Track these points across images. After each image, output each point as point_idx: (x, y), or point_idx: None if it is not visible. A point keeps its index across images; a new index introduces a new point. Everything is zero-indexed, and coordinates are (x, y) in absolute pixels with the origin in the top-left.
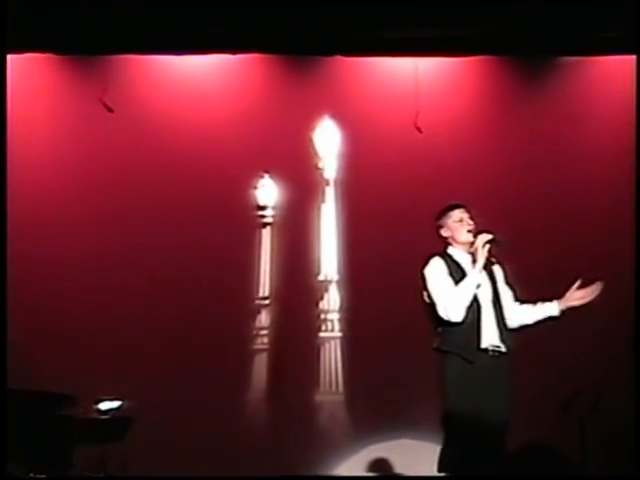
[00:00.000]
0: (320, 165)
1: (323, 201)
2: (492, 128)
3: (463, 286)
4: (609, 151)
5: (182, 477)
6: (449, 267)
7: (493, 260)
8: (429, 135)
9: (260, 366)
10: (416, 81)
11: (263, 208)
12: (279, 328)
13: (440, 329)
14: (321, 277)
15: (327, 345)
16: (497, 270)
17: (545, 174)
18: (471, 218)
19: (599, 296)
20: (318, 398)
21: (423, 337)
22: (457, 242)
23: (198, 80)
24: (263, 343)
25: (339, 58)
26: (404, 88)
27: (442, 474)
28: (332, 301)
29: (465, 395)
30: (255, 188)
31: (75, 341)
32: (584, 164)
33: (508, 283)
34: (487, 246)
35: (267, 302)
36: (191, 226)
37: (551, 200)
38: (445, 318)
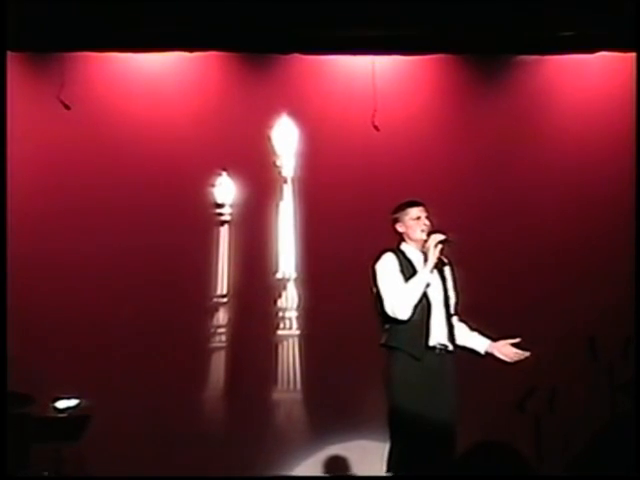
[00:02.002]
0: (278, 163)
1: (281, 199)
2: (449, 126)
3: (412, 285)
4: (567, 148)
5: (182, 477)
6: (400, 263)
7: (445, 260)
8: (386, 133)
9: (218, 364)
10: (373, 79)
11: (221, 206)
12: (237, 326)
13: (388, 325)
14: (279, 275)
15: (285, 343)
16: (448, 271)
17: (503, 172)
18: (427, 217)
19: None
20: (275, 396)
21: (380, 335)
22: (411, 239)
23: (155, 78)
24: (221, 341)
25: (297, 56)
26: (361, 86)
27: (390, 473)
28: (290, 299)
29: (411, 392)
30: (213, 186)
31: (30, 340)
32: (542, 161)
33: (455, 289)
34: (439, 246)
35: (225, 300)
36: (148, 224)
37: (509, 198)
38: (392, 315)
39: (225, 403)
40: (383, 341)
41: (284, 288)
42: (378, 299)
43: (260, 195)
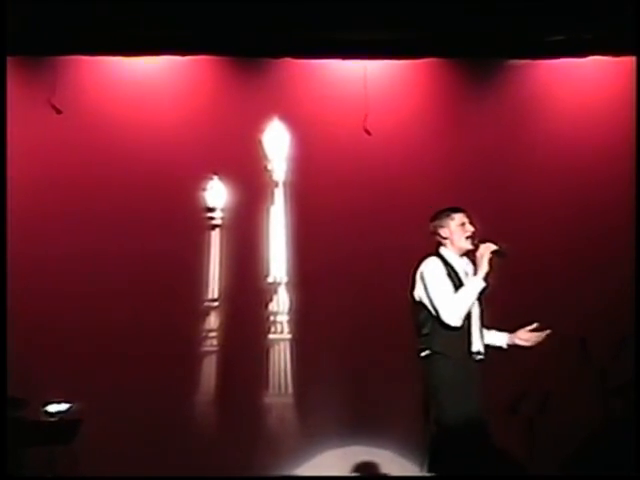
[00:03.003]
0: (269, 167)
1: (272, 203)
2: (441, 130)
3: (466, 293)
4: (558, 152)
5: (181, 477)
6: (446, 269)
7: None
8: (378, 137)
9: (209, 368)
10: (365, 83)
11: (212, 210)
12: (228, 330)
13: (428, 330)
14: (270, 279)
15: (276, 347)
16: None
17: (495, 176)
18: (471, 224)
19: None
20: (267, 400)
21: (372, 339)
22: (454, 245)
23: (147, 82)
24: (212, 345)
25: (288, 60)
26: (353, 90)
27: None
28: (281, 303)
29: (458, 397)
30: (204, 190)
31: (22, 343)
32: (534, 165)
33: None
34: (489, 256)
35: (216, 304)
36: (140, 228)
37: (501, 200)
38: (447, 322)
39: (216, 407)
40: (424, 346)
41: (275, 292)
42: (420, 305)
43: (251, 199)
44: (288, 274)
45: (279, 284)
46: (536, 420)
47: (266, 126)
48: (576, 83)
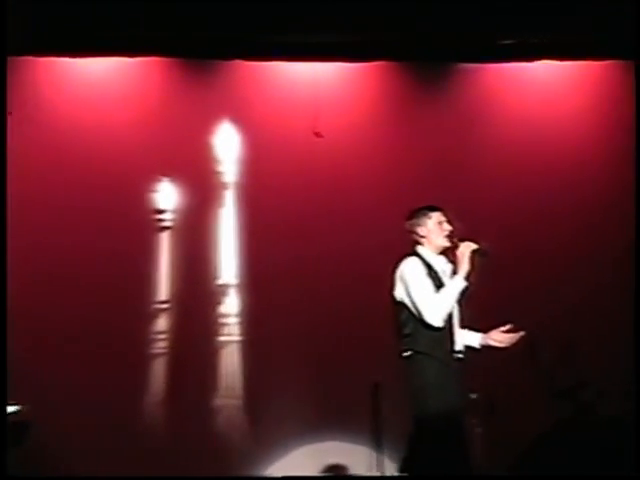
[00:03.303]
0: (219, 169)
1: (222, 205)
2: (391, 133)
3: (448, 293)
4: (506, 155)
5: (180, 477)
6: (425, 268)
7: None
8: (329, 140)
9: (159, 370)
10: (315, 86)
11: (162, 212)
12: (178, 332)
13: (410, 331)
14: (220, 281)
15: (226, 349)
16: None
17: (444, 178)
18: (449, 222)
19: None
20: (216, 402)
21: (320, 340)
22: (431, 243)
23: (97, 83)
24: (162, 347)
25: (239, 62)
26: (303, 93)
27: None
28: (231, 305)
29: (441, 397)
30: (154, 192)
31: None
32: (482, 167)
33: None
34: (470, 255)
35: (166, 306)
36: (90, 229)
37: (450, 203)
38: (429, 323)
39: (166, 409)
40: (407, 347)
41: (225, 294)
42: (401, 305)
43: (202, 201)
44: (238, 276)
45: (229, 286)
46: (484, 422)
47: (216, 128)
48: (525, 87)
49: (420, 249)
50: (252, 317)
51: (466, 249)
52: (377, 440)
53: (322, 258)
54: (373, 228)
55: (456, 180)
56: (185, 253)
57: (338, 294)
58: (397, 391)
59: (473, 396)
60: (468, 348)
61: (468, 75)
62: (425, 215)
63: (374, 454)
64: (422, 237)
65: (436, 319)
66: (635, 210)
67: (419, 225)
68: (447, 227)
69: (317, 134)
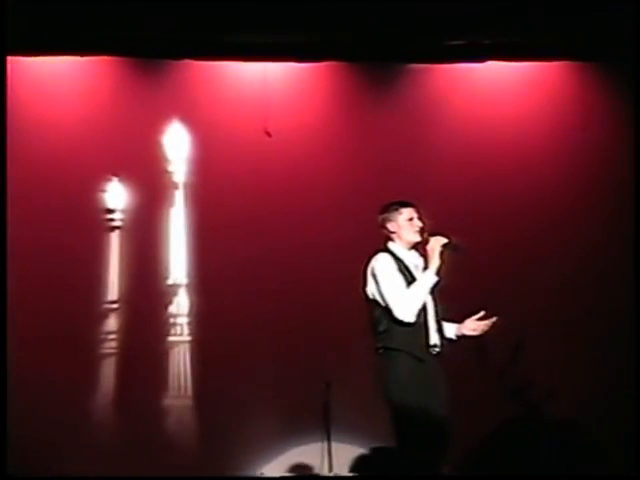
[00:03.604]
0: (169, 169)
1: (172, 205)
2: (341, 133)
3: (418, 288)
4: (456, 155)
5: (180, 477)
6: (396, 264)
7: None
8: (278, 140)
9: (108, 370)
10: (265, 86)
11: (112, 211)
12: (128, 332)
13: (384, 328)
14: (170, 281)
15: (176, 349)
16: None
17: (394, 178)
18: (420, 218)
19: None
20: (166, 402)
21: (272, 339)
22: (402, 239)
23: (46, 82)
24: (111, 347)
25: (188, 62)
26: (253, 92)
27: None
28: (181, 305)
29: (416, 393)
30: (103, 191)
31: None
32: (432, 169)
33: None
34: (440, 249)
35: (116, 306)
36: (38, 229)
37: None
38: (400, 319)
39: (116, 409)
40: (381, 344)
41: (175, 294)
42: (374, 302)
43: (151, 201)
44: (188, 276)
45: (179, 286)
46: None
47: (166, 128)
48: (475, 88)
49: (391, 245)
50: (202, 317)
51: (436, 244)
52: (328, 439)
53: (272, 257)
54: (323, 227)
55: (406, 180)
56: (135, 253)
57: (288, 293)
58: (351, 390)
59: None
60: (446, 340)
61: (418, 75)
62: (396, 211)
63: (325, 453)
64: (393, 232)
65: (407, 315)
66: (635, 210)
67: (390, 220)
68: (418, 223)
69: (267, 134)
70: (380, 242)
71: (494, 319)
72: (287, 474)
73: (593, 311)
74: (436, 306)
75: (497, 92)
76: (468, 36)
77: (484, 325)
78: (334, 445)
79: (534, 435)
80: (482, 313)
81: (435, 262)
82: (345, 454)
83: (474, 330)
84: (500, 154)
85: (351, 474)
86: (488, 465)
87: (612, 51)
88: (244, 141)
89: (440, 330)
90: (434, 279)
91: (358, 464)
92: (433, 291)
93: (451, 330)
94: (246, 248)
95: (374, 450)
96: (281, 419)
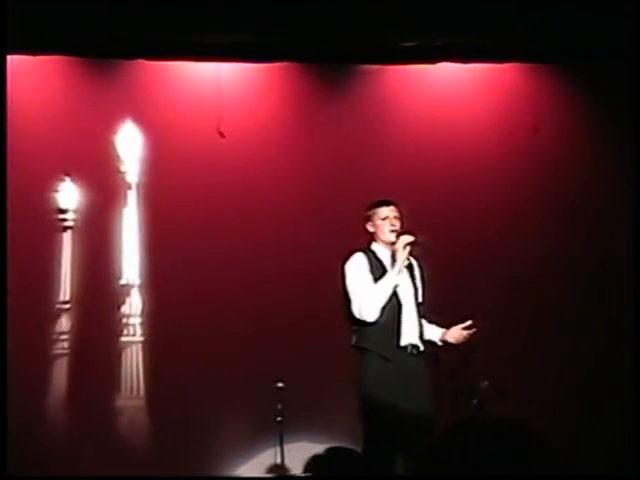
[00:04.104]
0: (122, 169)
1: (125, 205)
2: (294, 133)
3: (379, 287)
4: (409, 155)
5: (181, 477)
6: (370, 263)
7: (413, 261)
8: (232, 140)
9: (60, 371)
10: (219, 86)
11: (64, 211)
12: (80, 332)
13: (357, 327)
14: (123, 281)
15: (128, 350)
16: (417, 271)
17: (347, 179)
18: (398, 218)
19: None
20: (119, 403)
21: (224, 339)
22: (379, 239)
23: None
24: (63, 348)
25: (141, 62)
26: (207, 93)
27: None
28: (134, 305)
29: (384, 393)
30: (56, 191)
31: None
32: (384, 168)
33: (423, 289)
34: (407, 248)
35: (68, 306)
36: None
37: (353, 204)
38: (358, 317)
39: (68, 410)
40: (353, 342)
41: (128, 294)
42: (347, 300)
43: (104, 201)
44: (141, 276)
45: (132, 286)
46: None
47: (119, 128)
48: (427, 89)
49: (373, 244)
50: (155, 317)
51: (401, 243)
52: (280, 439)
53: (225, 257)
54: (275, 226)
55: (359, 180)
56: (87, 253)
57: (241, 293)
58: (304, 390)
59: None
60: (429, 343)
61: (371, 76)
62: (373, 210)
63: (277, 454)
64: (371, 233)
65: (365, 313)
66: (635, 213)
67: (369, 220)
68: (394, 222)
69: (220, 134)
70: (333, 240)
71: (473, 330)
72: (240, 473)
73: (547, 310)
74: (418, 306)
75: (449, 93)
76: (420, 37)
77: (463, 336)
78: (290, 445)
79: (483, 435)
80: (468, 322)
81: (399, 261)
82: (300, 454)
83: (455, 339)
84: (453, 155)
85: (305, 474)
86: (438, 465)
87: (565, 52)
88: (197, 141)
89: (421, 331)
90: (397, 278)
91: (312, 464)
92: (416, 291)
93: (436, 334)
94: (199, 248)
95: (328, 450)
96: (234, 418)
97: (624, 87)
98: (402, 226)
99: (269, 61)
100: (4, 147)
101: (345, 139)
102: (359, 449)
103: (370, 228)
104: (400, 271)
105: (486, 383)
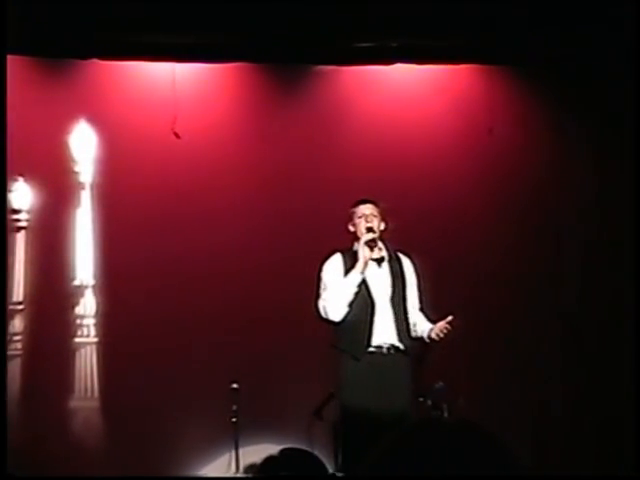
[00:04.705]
0: (76, 169)
1: (79, 205)
2: (250, 134)
3: (341, 285)
4: (365, 156)
5: (181, 477)
6: (346, 264)
7: (385, 257)
8: (187, 140)
9: (14, 372)
10: (174, 86)
11: (17, 212)
12: (33, 333)
13: (335, 327)
14: (77, 282)
15: (82, 350)
16: (408, 269)
17: (302, 179)
18: (375, 215)
19: None
20: (73, 404)
21: (178, 339)
22: (358, 238)
23: None
24: (17, 349)
25: (95, 61)
26: (162, 93)
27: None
28: (88, 306)
29: (357, 393)
30: (9, 191)
31: None
32: (340, 170)
33: (419, 288)
34: (366, 246)
35: (21, 307)
36: None
37: (309, 204)
38: (324, 315)
39: (22, 411)
40: (333, 343)
41: (82, 295)
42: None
43: (58, 201)
44: (95, 277)
45: (86, 287)
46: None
47: (73, 128)
48: (382, 90)
49: (355, 244)
50: (109, 318)
51: (361, 241)
52: (235, 442)
53: (179, 257)
54: (230, 226)
55: (314, 180)
56: (41, 254)
57: (195, 293)
58: (257, 392)
59: None
60: (419, 340)
61: (326, 77)
62: (352, 210)
63: (233, 457)
64: (352, 232)
65: (330, 312)
66: (635, 215)
67: (349, 220)
68: (370, 220)
69: (175, 134)
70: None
71: (449, 328)
72: (196, 474)
73: (501, 310)
74: (397, 306)
75: (405, 94)
76: (376, 38)
77: (442, 331)
78: (247, 447)
79: (434, 436)
80: (450, 318)
81: (360, 259)
82: (257, 455)
83: (437, 335)
84: (408, 156)
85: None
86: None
87: (518, 54)
88: (152, 141)
89: (399, 331)
90: (358, 278)
91: (266, 465)
92: (394, 292)
93: (425, 331)
94: (152, 248)
95: (283, 451)
96: (189, 420)
97: (579, 88)
98: (386, 224)
99: (224, 61)
100: (4, 147)
101: (300, 139)
102: (312, 449)
103: (351, 228)
104: (363, 270)
105: (441, 384)
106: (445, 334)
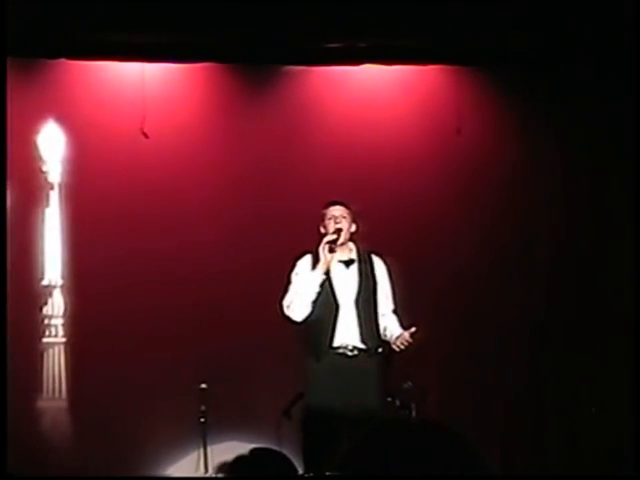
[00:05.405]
0: (44, 169)
1: (47, 205)
2: (219, 134)
3: (299, 286)
4: (334, 156)
5: (182, 478)
6: (314, 264)
7: (353, 258)
8: (155, 140)
9: None
10: (143, 86)
11: None
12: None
13: (299, 327)
14: (45, 282)
15: (50, 351)
16: (380, 271)
17: (272, 180)
18: (344, 217)
19: None
20: (40, 404)
21: (148, 340)
22: None
23: None
24: None
25: (64, 61)
26: (131, 93)
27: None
28: (56, 306)
29: (318, 393)
30: None
31: None
32: (309, 170)
33: (393, 290)
34: (326, 247)
35: None
36: None
37: (278, 205)
38: (287, 315)
39: None
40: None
41: (50, 295)
42: None
43: (26, 201)
44: (63, 277)
45: (54, 287)
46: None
47: (41, 127)
48: (351, 91)
49: None
50: (77, 318)
51: (322, 243)
52: (204, 442)
53: (147, 257)
54: (199, 226)
55: (283, 180)
56: (9, 254)
57: (164, 293)
58: (226, 392)
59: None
60: (386, 342)
61: (294, 77)
62: (322, 212)
63: (202, 457)
64: (323, 234)
65: (291, 312)
66: (636, 217)
67: (321, 222)
68: (338, 222)
69: (144, 134)
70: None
71: (408, 338)
72: (165, 474)
73: (471, 309)
74: (363, 307)
75: (373, 95)
76: (344, 39)
77: (406, 342)
78: (215, 447)
79: (406, 436)
80: (413, 330)
81: (320, 260)
82: (226, 454)
83: (397, 347)
84: (376, 156)
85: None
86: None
87: (485, 54)
88: (121, 141)
89: (362, 332)
90: (319, 278)
91: (235, 465)
92: (359, 294)
93: (394, 337)
94: (121, 248)
95: (253, 451)
96: (158, 420)
97: (546, 88)
98: (357, 226)
99: (193, 61)
100: (4, 148)
101: (269, 139)
102: (281, 449)
103: (322, 229)
104: (324, 270)
105: (409, 384)
106: (405, 347)
